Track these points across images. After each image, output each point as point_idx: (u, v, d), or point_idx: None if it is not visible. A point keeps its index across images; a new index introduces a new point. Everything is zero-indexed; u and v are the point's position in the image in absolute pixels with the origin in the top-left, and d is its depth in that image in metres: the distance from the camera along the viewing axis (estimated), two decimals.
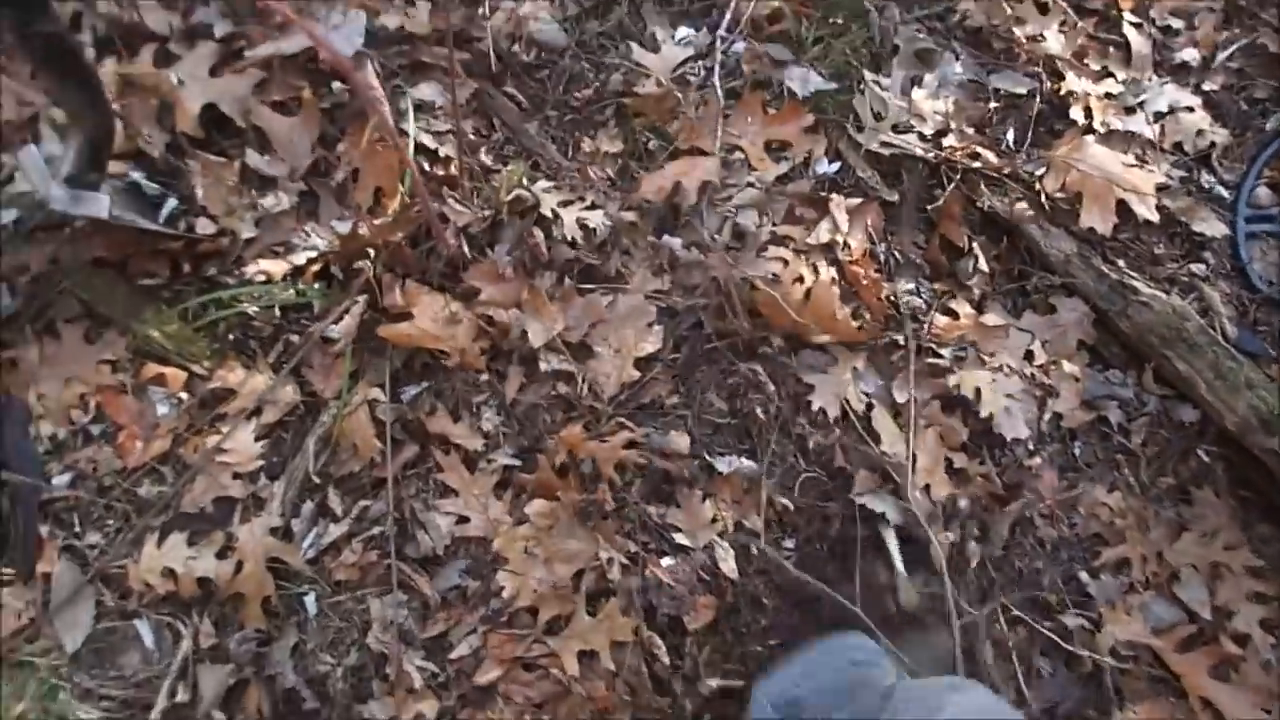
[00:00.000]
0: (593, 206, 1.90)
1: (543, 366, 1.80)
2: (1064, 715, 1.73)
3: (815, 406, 1.83)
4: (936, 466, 1.81)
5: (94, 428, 1.75)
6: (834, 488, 1.80)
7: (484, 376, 1.81)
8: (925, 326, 1.90)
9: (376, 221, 1.82)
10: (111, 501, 1.71)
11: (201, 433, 1.75)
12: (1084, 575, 1.81)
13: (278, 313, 1.82)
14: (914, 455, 1.80)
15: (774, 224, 1.94)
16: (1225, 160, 2.11)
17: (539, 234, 1.86)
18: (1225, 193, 2.06)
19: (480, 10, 2.05)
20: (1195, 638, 1.79)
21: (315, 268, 1.82)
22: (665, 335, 1.83)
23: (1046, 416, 1.88)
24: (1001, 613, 1.76)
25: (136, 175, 1.82)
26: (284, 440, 1.78)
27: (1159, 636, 1.78)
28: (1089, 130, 2.06)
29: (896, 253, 1.98)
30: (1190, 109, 2.13)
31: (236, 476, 1.73)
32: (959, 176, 1.98)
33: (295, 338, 1.81)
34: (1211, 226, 1.99)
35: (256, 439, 1.75)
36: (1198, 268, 1.97)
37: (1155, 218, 1.95)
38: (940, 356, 1.89)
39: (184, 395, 1.77)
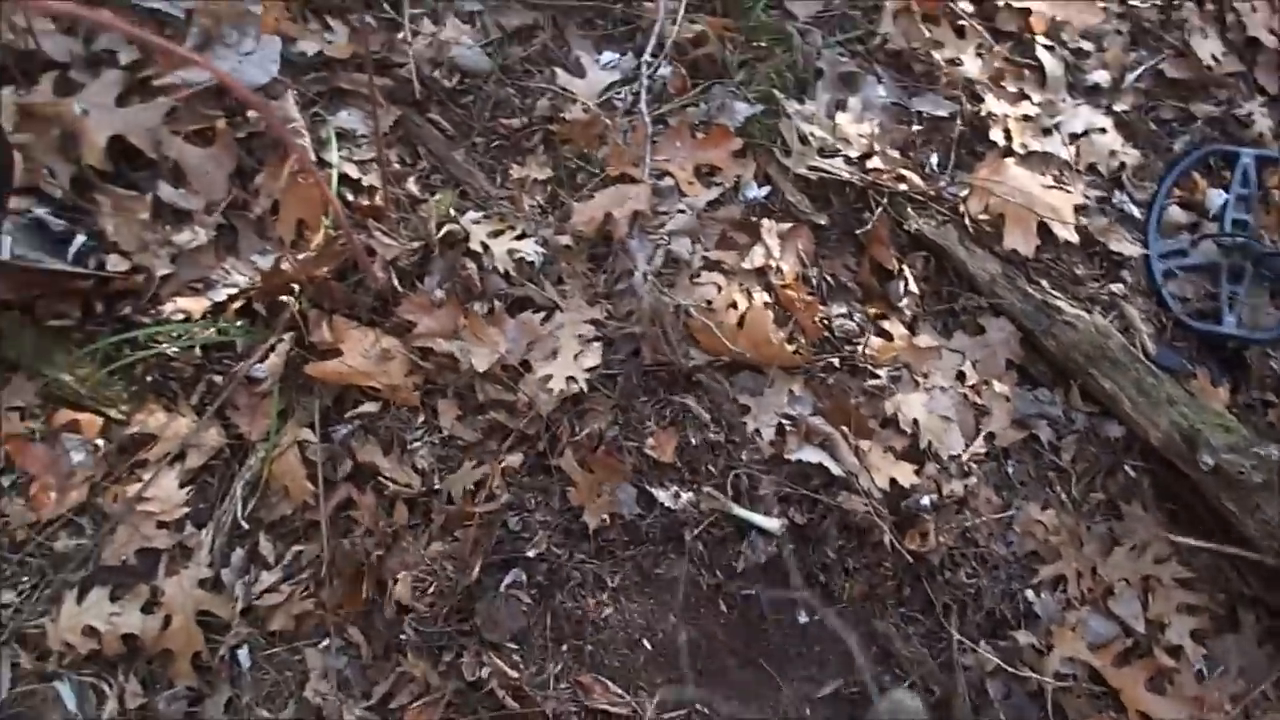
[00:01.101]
0: (524, 236, 1.92)
1: (480, 397, 1.81)
2: None
3: (750, 429, 1.88)
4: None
5: (3, 479, 1.70)
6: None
7: (420, 417, 1.81)
8: (861, 349, 1.96)
9: (300, 255, 1.81)
10: (25, 557, 1.66)
11: (121, 481, 1.71)
12: (1029, 594, 1.89)
13: (198, 352, 1.79)
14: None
15: (706, 250, 1.99)
16: (1136, 179, 2.23)
17: (471, 265, 1.87)
18: (1138, 211, 2.19)
19: (401, 35, 2.06)
20: (1131, 651, 1.88)
21: (237, 305, 1.80)
22: (603, 359, 1.86)
23: (980, 436, 1.96)
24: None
25: (40, 211, 1.78)
26: (210, 486, 1.75)
27: (1097, 653, 1.87)
28: (1009, 152, 2.16)
29: (828, 276, 2.04)
30: (1103, 130, 2.25)
31: (161, 526, 1.69)
32: (885, 199, 2.05)
33: (218, 378, 1.79)
34: (1127, 247, 2.11)
35: (180, 485, 1.72)
36: (1116, 287, 2.09)
37: (1075, 238, 2.05)
38: (877, 377, 1.96)
39: (100, 442, 1.73)
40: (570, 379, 1.80)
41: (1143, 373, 1.93)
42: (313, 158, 1.87)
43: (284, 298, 1.79)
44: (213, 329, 1.78)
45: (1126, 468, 1.98)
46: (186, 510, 1.71)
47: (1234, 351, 2.08)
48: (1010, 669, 1.81)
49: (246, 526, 1.72)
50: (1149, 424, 1.90)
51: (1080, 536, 1.93)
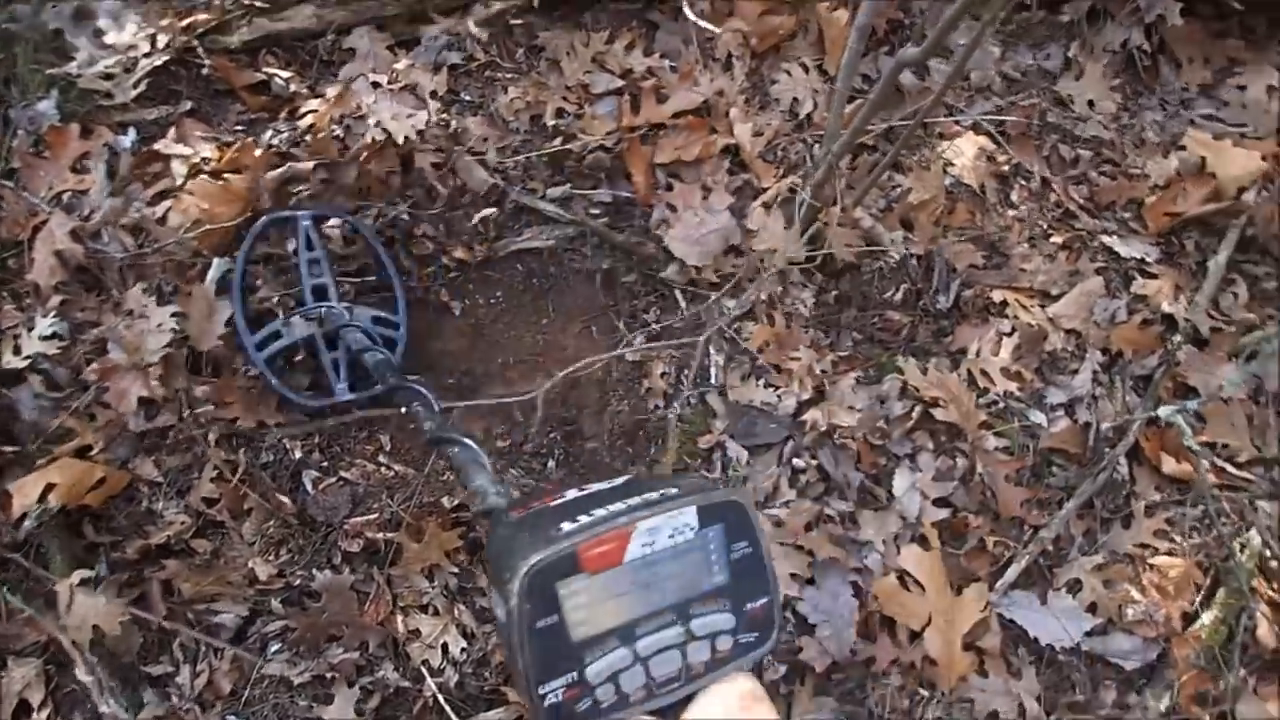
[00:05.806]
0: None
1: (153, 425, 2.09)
2: None
3: None
4: None
5: None
6: None
7: (142, 488, 2.07)
8: (307, 127, 2.40)
9: None
10: None
11: None
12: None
13: None
14: None
15: (145, 199, 2.27)
16: None
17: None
18: None
19: None
20: None
21: None
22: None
23: (431, 94, 2.47)
24: None
25: None
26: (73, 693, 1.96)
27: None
28: None
29: (239, 125, 2.43)
30: None
31: None
32: (200, 48, 2.43)
33: None
34: None
35: None
36: None
37: None
38: (349, 125, 2.41)
39: None
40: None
41: None
42: None
43: None
44: None
45: None
46: None
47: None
48: None
49: (152, 674, 1.98)
50: None
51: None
